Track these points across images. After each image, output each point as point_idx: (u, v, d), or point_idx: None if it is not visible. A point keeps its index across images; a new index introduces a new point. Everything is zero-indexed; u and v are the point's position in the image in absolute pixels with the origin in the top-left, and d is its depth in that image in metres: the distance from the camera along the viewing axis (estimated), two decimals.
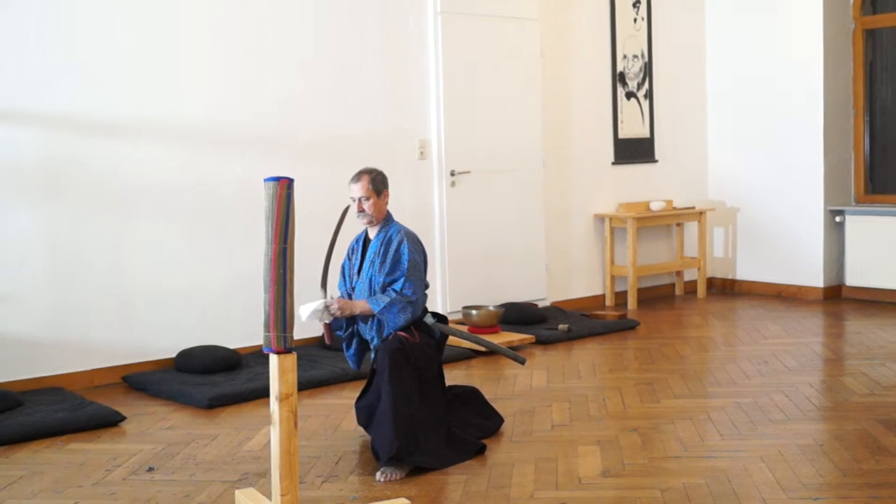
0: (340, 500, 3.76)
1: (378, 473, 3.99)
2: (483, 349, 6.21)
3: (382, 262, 4.36)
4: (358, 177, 4.41)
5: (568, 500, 3.67)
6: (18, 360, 5.48)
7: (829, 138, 8.15)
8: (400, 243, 4.36)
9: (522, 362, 4.60)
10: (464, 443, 4.27)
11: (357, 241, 4.55)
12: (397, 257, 4.35)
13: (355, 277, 4.48)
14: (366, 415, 4.38)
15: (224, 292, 6.19)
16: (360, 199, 4.37)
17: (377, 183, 4.39)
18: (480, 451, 4.27)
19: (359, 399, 4.49)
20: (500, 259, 7.46)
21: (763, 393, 5.17)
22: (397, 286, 4.30)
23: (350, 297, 4.48)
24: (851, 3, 8.22)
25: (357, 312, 4.31)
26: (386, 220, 4.44)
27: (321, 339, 6.28)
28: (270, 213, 3.26)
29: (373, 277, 4.37)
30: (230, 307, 6.20)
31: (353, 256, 4.53)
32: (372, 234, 4.46)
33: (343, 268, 4.58)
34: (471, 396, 4.66)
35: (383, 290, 4.34)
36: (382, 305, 4.26)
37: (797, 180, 8.27)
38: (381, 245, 4.39)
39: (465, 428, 4.40)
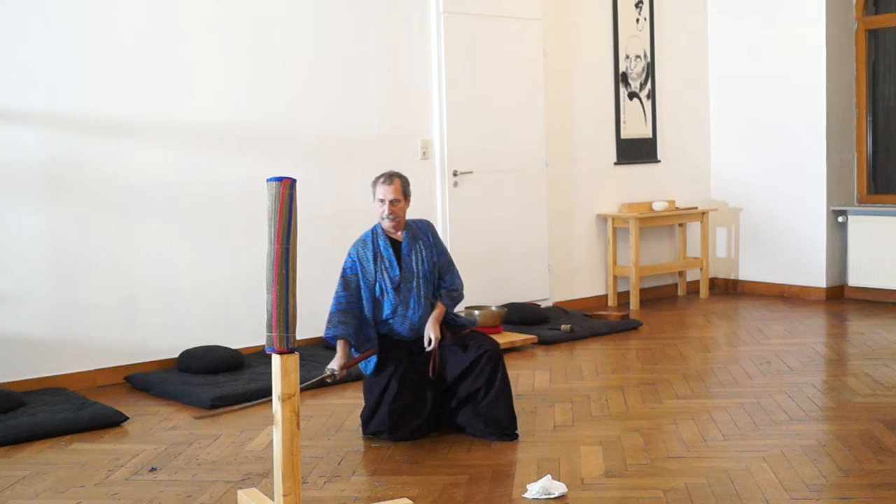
0: (343, 500, 3.77)
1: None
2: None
3: (432, 257, 4.57)
4: (390, 179, 4.42)
5: (570, 501, 3.68)
6: (21, 360, 5.49)
7: (832, 138, 8.15)
8: (434, 235, 4.63)
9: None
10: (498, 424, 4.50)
11: (384, 246, 4.51)
12: (441, 249, 4.61)
13: (389, 282, 4.48)
14: (407, 415, 4.40)
15: (227, 292, 6.19)
16: (391, 201, 4.40)
17: (406, 186, 4.52)
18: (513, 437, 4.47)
19: (392, 401, 4.39)
20: (503, 259, 7.46)
21: (765, 393, 5.16)
22: (456, 281, 4.63)
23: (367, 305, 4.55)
24: (854, 3, 8.22)
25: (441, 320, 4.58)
26: (406, 223, 4.58)
27: (322, 339, 6.30)
28: (273, 213, 3.27)
29: (426, 270, 4.55)
30: (233, 307, 6.21)
31: (379, 262, 4.49)
32: (397, 236, 4.55)
33: (357, 277, 4.51)
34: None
35: (441, 278, 4.59)
36: (451, 306, 4.65)
37: (800, 180, 8.26)
38: (415, 242, 4.55)
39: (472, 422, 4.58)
